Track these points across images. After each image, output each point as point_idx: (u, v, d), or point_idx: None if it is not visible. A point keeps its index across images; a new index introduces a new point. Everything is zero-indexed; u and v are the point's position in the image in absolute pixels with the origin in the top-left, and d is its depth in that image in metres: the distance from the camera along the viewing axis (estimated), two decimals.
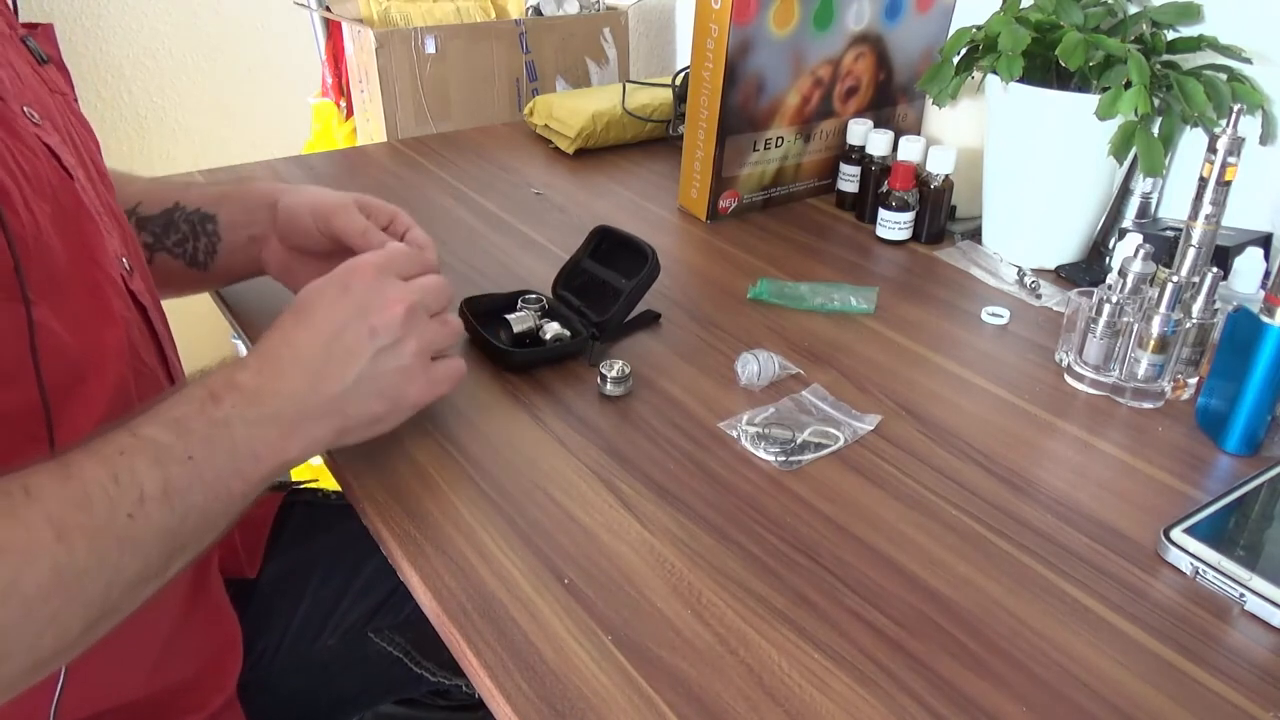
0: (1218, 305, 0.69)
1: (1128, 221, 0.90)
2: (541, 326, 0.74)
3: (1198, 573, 0.54)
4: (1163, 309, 0.68)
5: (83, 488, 0.43)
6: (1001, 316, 0.83)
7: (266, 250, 0.73)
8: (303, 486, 0.86)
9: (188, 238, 0.72)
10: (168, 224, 0.72)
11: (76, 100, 0.64)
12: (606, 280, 0.78)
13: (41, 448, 0.48)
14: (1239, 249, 0.79)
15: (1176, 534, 0.56)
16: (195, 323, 1.13)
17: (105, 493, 0.43)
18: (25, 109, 0.51)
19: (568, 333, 0.74)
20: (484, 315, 0.75)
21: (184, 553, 0.48)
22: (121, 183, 0.73)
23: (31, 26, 0.61)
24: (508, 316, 0.74)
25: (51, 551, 0.41)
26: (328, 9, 1.58)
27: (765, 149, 1.01)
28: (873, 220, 0.99)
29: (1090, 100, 0.81)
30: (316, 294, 0.56)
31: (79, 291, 0.51)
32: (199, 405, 0.48)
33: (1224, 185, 0.67)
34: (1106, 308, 0.70)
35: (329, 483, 0.75)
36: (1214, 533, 0.56)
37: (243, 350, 1.09)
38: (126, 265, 0.57)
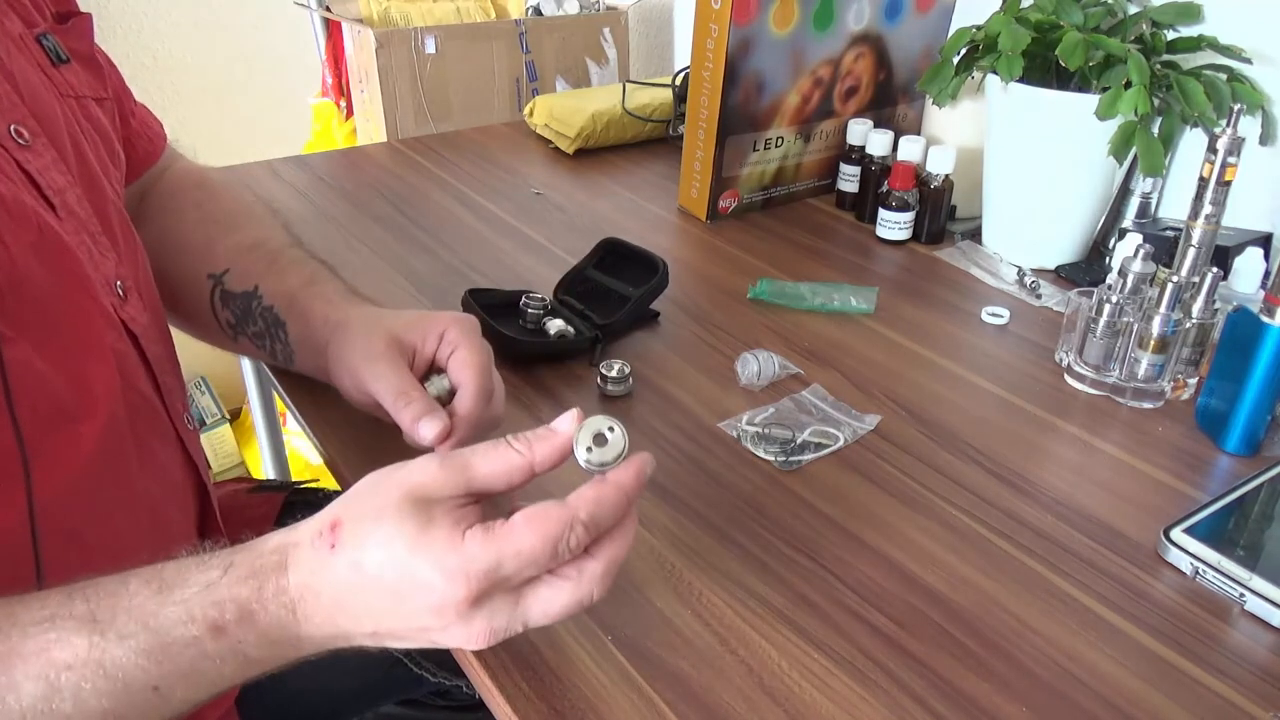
0: (1218, 305, 0.69)
1: (1128, 221, 0.90)
2: (545, 324, 0.74)
3: (1198, 573, 0.54)
4: (1163, 309, 0.68)
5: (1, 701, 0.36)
6: (1001, 316, 0.83)
7: (343, 389, 0.61)
8: (303, 486, 0.86)
9: (264, 336, 0.65)
10: (246, 312, 0.65)
11: (107, 98, 0.61)
12: (611, 288, 0.78)
13: (18, 487, 0.45)
14: (1239, 249, 0.79)
15: (1176, 534, 0.56)
16: None
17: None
18: (13, 128, 0.48)
19: (572, 330, 0.74)
20: (486, 309, 0.75)
21: None
22: (218, 232, 0.68)
23: (64, 18, 0.58)
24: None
25: None
26: (328, 9, 1.58)
27: (765, 149, 1.01)
28: (873, 220, 0.99)
29: (1090, 100, 0.81)
30: (380, 543, 0.40)
31: (65, 325, 0.48)
32: (196, 631, 0.39)
33: (1224, 185, 0.67)
34: (1106, 308, 0.70)
35: (329, 482, 0.75)
36: (1214, 533, 0.56)
37: (245, 363, 1.09)
38: (121, 290, 0.53)
